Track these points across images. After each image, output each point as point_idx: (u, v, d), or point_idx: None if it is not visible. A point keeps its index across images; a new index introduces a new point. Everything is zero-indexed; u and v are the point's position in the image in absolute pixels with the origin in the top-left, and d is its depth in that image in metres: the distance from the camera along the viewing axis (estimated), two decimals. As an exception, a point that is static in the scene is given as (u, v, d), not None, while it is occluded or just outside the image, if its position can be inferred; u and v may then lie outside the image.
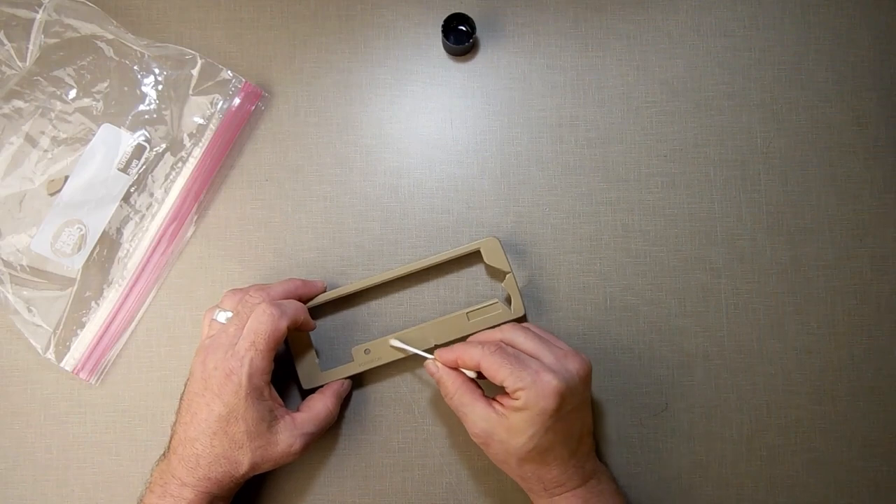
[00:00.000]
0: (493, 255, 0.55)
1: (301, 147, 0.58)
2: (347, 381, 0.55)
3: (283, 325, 0.49)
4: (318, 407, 0.52)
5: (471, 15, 0.57)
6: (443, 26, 0.57)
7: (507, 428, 0.47)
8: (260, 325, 0.48)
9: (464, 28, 0.58)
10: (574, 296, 0.57)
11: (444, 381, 0.50)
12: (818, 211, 0.58)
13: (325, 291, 0.55)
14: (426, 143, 0.59)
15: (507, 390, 0.47)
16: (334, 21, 0.59)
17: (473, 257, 0.56)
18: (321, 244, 0.58)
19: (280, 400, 0.51)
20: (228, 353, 0.48)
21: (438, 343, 0.54)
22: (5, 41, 0.57)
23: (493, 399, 0.49)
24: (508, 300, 0.55)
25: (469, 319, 0.54)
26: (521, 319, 0.55)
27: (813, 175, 0.58)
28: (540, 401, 0.46)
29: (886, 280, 0.57)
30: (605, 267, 0.57)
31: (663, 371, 0.57)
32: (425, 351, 0.53)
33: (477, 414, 0.48)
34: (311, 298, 0.55)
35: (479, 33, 0.59)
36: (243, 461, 0.48)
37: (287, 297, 0.52)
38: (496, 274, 0.56)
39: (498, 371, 0.47)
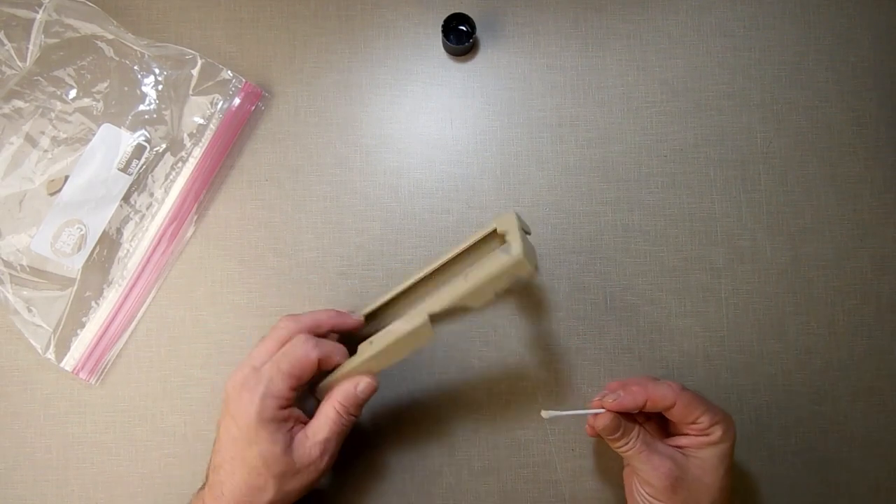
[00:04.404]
0: (507, 225, 0.47)
1: (301, 147, 0.58)
2: (366, 381, 0.48)
3: (314, 355, 0.46)
4: (326, 409, 0.48)
5: (471, 15, 0.57)
6: (443, 26, 0.57)
7: (700, 465, 0.46)
8: (291, 350, 0.46)
9: (464, 28, 0.58)
10: (574, 296, 0.57)
11: (628, 432, 0.47)
12: (818, 211, 0.58)
13: (359, 328, 0.51)
14: (426, 143, 0.59)
15: (699, 427, 0.46)
16: (334, 21, 0.59)
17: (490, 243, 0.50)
18: (321, 244, 0.58)
19: (303, 417, 0.48)
20: (249, 372, 0.46)
21: (434, 311, 0.45)
22: (5, 41, 0.57)
23: (665, 442, 0.48)
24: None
25: (467, 278, 0.45)
26: (523, 267, 0.44)
27: (813, 175, 0.58)
28: (732, 432, 0.47)
29: (886, 280, 0.57)
30: (605, 267, 0.57)
31: (663, 371, 0.57)
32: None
33: (665, 453, 0.46)
34: (343, 331, 0.51)
35: (479, 33, 0.59)
36: (265, 488, 0.45)
37: (316, 325, 0.49)
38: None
39: (696, 407, 0.46)
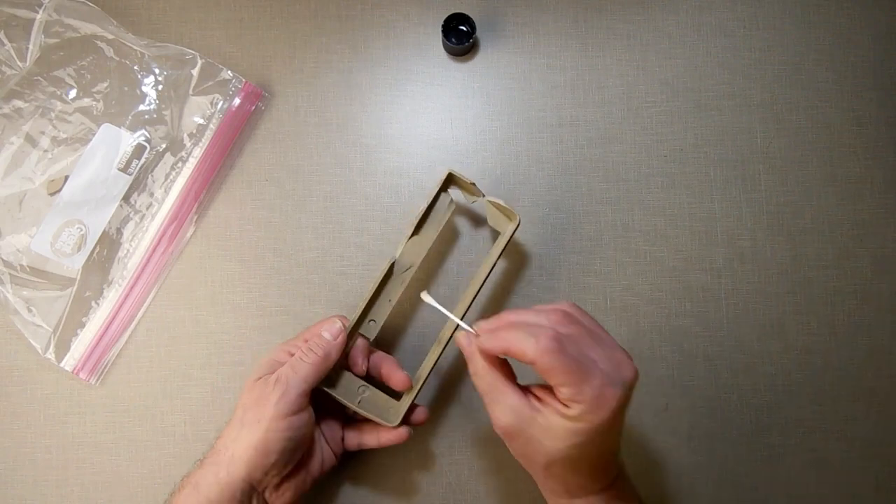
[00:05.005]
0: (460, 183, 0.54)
1: (301, 147, 0.58)
2: (331, 322, 0.50)
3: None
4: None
5: (471, 15, 0.57)
6: (443, 26, 0.57)
7: (544, 428, 0.42)
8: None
9: (464, 28, 0.58)
10: (574, 296, 0.57)
11: (475, 360, 0.44)
12: (818, 211, 0.58)
13: (409, 390, 0.52)
14: (426, 143, 0.59)
15: (560, 396, 0.41)
16: (334, 21, 0.59)
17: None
18: (321, 244, 0.58)
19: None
20: None
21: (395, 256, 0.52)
22: (5, 41, 0.57)
23: (528, 390, 0.44)
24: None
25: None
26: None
27: (813, 175, 0.58)
28: (596, 418, 0.40)
29: (886, 280, 0.57)
30: (605, 267, 0.57)
31: (663, 371, 0.57)
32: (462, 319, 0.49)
33: (507, 404, 0.43)
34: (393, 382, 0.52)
35: (479, 33, 0.59)
36: (234, 419, 0.47)
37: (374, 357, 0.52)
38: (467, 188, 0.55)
39: (556, 375, 0.40)
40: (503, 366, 0.45)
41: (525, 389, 0.44)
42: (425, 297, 0.49)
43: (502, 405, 0.43)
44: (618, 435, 0.44)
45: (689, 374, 0.57)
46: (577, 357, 0.41)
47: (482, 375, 0.44)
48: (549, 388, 0.43)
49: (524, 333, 0.41)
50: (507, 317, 0.44)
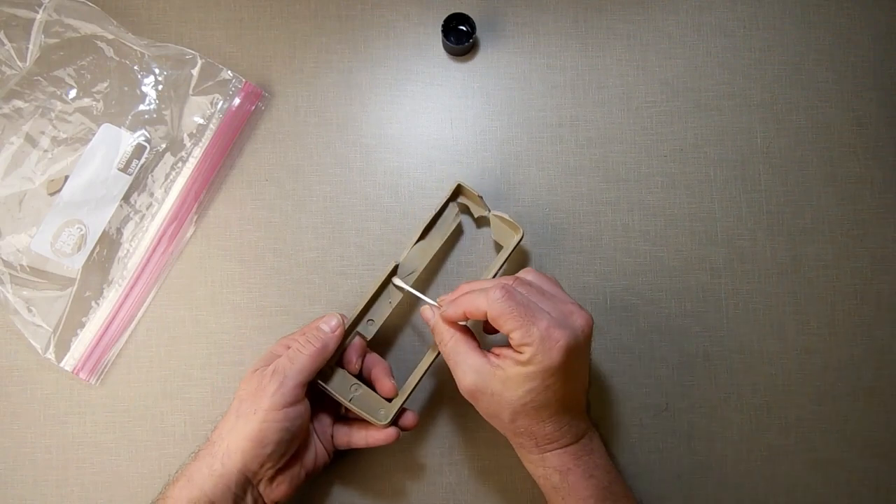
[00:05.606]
0: (468, 195, 0.55)
1: (301, 147, 0.58)
2: (330, 315, 0.51)
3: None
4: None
5: (471, 15, 0.57)
6: (443, 26, 0.57)
7: (503, 380, 0.45)
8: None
9: (464, 28, 0.58)
10: (574, 296, 0.57)
11: (438, 328, 0.48)
12: (818, 211, 0.58)
13: (395, 393, 0.52)
14: (426, 143, 0.59)
15: (512, 343, 0.45)
16: (334, 21, 0.59)
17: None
18: (321, 244, 0.58)
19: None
20: None
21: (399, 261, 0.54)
22: (5, 41, 0.57)
23: (489, 352, 0.47)
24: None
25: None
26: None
27: (813, 175, 0.58)
28: (546, 358, 0.44)
29: (886, 280, 0.57)
30: (605, 267, 0.57)
31: (663, 371, 0.57)
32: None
33: (469, 364, 0.46)
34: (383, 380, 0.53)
35: (479, 33, 0.59)
36: (230, 410, 0.48)
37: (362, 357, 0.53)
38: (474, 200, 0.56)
39: (506, 321, 0.44)
40: (465, 333, 0.48)
41: (486, 352, 0.47)
42: (395, 280, 0.53)
43: (464, 366, 0.47)
44: (577, 384, 0.47)
45: (689, 374, 0.57)
46: (525, 303, 0.45)
47: (446, 342, 0.48)
48: (506, 346, 0.46)
49: (478, 293, 0.46)
50: (464, 287, 0.49)
